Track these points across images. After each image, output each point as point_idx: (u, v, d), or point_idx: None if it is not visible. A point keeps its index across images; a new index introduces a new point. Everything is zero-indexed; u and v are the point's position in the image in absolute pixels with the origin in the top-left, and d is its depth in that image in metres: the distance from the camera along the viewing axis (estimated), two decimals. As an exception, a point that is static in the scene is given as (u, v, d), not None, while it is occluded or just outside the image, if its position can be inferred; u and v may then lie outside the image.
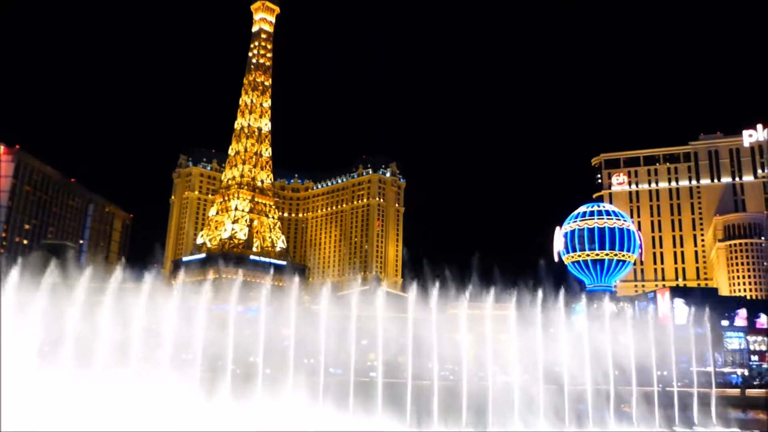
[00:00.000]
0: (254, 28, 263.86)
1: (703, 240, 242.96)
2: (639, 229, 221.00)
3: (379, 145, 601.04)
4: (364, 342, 51.24)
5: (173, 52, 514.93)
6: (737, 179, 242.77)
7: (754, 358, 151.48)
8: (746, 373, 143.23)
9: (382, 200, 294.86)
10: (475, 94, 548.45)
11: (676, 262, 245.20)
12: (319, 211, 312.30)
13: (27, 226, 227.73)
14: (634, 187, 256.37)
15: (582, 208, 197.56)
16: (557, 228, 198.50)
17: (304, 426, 38.53)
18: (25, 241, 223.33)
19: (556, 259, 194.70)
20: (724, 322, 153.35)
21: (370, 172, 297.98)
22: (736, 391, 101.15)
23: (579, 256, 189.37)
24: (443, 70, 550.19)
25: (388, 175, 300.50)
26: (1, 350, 36.21)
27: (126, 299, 44.08)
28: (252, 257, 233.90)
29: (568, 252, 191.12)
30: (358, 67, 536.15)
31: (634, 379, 52.43)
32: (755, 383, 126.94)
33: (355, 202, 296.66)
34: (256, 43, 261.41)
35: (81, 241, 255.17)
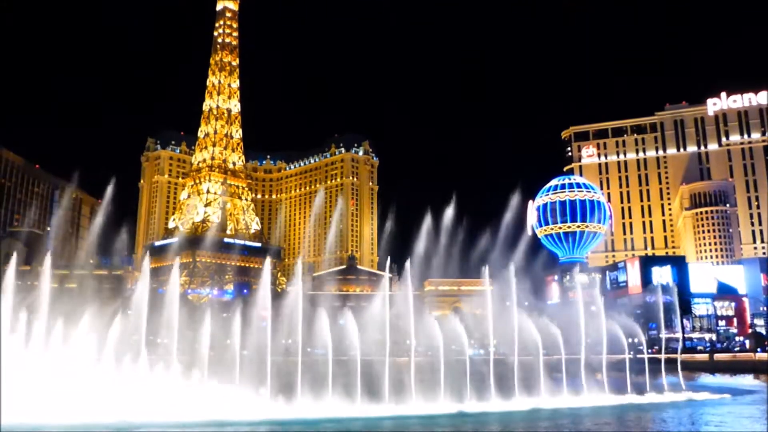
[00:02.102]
0: (218, 7, 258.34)
1: (670, 209, 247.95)
2: (609, 200, 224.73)
3: (352, 124, 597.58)
4: (341, 322, 51.33)
5: (137, 30, 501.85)
6: (702, 148, 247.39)
7: (722, 323, 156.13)
8: (714, 338, 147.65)
9: (355, 179, 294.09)
10: (447, 69, 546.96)
11: (644, 232, 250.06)
12: (292, 191, 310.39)
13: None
14: (603, 158, 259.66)
15: (553, 182, 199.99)
16: (530, 202, 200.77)
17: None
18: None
19: (529, 232, 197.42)
20: (692, 289, 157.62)
21: (343, 151, 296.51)
22: (705, 356, 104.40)
23: (551, 229, 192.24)
24: (415, 46, 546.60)
25: (360, 153, 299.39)
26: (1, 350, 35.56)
27: (99, 285, 43.56)
28: (226, 240, 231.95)
29: (541, 225, 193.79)
30: (329, 45, 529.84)
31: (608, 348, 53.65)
32: (720, 347, 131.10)
33: (328, 182, 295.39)
34: (221, 22, 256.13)
35: (48, 228, 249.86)
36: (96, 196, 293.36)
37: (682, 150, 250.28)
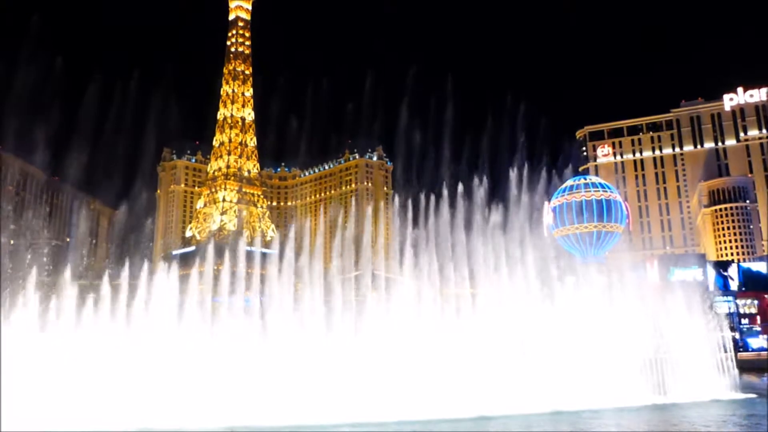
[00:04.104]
0: (231, 17, 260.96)
1: (688, 207, 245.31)
2: (626, 199, 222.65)
3: (365, 130, 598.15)
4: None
5: (149, 40, 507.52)
6: (720, 144, 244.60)
7: (744, 321, 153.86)
8: (737, 336, 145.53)
9: (370, 184, 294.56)
10: (458, 68, 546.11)
11: (663, 230, 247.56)
12: (307, 198, 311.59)
13: (12, 227, 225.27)
14: (619, 157, 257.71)
15: (569, 182, 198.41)
16: (546, 203, 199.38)
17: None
18: (11, 241, 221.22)
19: (545, 233, 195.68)
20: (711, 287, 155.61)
21: (357, 157, 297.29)
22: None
23: (568, 229, 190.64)
24: (424, 48, 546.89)
25: (374, 158, 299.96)
26: (1, 351, 36.22)
27: (120, 294, 44.20)
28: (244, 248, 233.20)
29: (557, 226, 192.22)
30: (338, 49, 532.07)
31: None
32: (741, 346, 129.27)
33: (343, 188, 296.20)
34: (234, 32, 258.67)
35: (68, 239, 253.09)
36: (114, 207, 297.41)
37: (699, 147, 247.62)
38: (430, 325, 47.73)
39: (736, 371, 55.90)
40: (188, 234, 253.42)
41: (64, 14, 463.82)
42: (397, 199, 58.12)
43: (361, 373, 41.65)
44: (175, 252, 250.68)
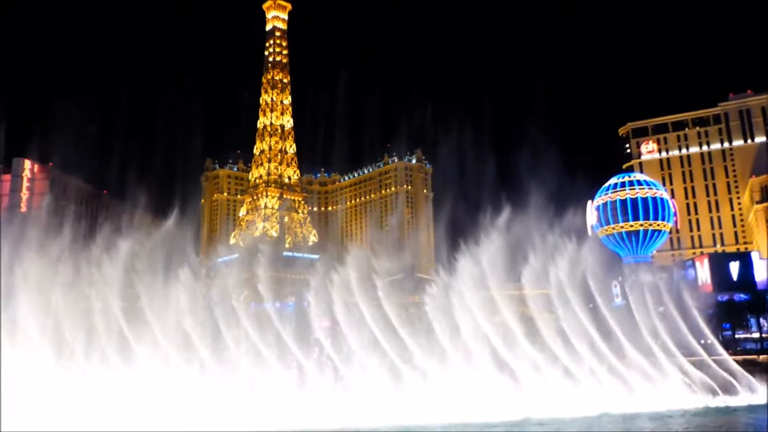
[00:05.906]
0: (268, 27, 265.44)
1: (739, 203, 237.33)
2: (672, 196, 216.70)
3: (402, 132, 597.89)
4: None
5: (188, 52, 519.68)
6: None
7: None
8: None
9: (409, 187, 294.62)
10: (497, 69, 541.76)
11: (713, 228, 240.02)
12: (347, 203, 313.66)
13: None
14: (664, 154, 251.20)
15: (613, 180, 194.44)
16: (589, 202, 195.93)
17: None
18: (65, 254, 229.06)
19: (589, 233, 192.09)
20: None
21: (396, 160, 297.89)
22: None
23: (613, 228, 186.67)
24: (461, 47, 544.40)
25: (413, 161, 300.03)
26: (1, 353, 38.07)
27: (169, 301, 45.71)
28: (285, 253, 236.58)
29: (601, 225, 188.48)
30: (374, 55, 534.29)
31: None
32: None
33: (383, 191, 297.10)
34: (271, 41, 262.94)
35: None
36: (160, 218, 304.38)
37: (749, 141, 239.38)
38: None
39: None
40: (232, 241, 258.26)
41: (100, 33, 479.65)
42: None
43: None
44: (219, 259, 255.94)
